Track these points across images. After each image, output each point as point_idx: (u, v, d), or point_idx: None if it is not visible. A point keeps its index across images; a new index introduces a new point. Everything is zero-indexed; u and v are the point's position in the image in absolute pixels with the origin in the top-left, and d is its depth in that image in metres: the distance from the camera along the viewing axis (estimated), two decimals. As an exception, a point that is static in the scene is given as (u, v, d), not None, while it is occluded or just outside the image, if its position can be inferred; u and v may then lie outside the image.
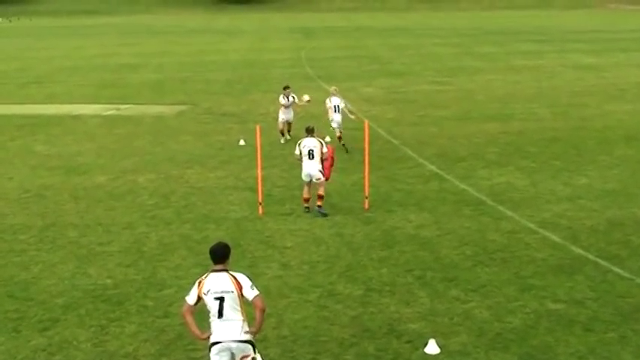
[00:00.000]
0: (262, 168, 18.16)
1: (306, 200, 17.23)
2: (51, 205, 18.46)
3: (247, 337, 8.75)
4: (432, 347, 10.66)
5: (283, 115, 25.45)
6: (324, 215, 16.82)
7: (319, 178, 17.07)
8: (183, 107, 34.38)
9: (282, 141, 25.10)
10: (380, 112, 31.43)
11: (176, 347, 10.99)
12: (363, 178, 18.10)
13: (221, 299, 8.62)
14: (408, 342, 10.98)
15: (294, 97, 25.51)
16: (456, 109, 32.05)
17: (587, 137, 25.43)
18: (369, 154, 18.20)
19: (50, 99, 37.88)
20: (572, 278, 13.24)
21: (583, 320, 11.60)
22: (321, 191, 17.11)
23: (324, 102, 25.07)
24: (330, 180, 17.67)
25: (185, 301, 8.90)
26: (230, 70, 49.51)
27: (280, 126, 25.46)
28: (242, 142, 25.18)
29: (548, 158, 22.38)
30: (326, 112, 24.90)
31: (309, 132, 17.52)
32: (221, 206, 18.11)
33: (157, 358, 10.74)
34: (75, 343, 11.21)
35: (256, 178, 18.10)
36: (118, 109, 34.40)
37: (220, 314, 8.66)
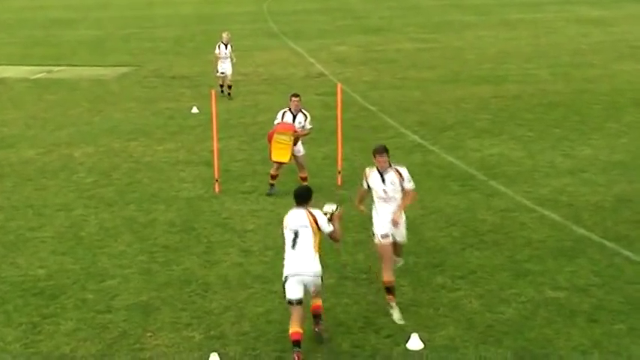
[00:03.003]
0: (218, 139, 18.11)
1: (273, 177, 17.24)
2: (-28, 184, 18.30)
3: (319, 271, 10.75)
4: (415, 342, 10.73)
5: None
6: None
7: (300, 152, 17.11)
8: (126, 69, 34.11)
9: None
10: (355, 74, 31.43)
11: (120, 347, 10.97)
12: (336, 150, 18.11)
13: (296, 233, 10.70)
14: (388, 337, 11.05)
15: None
16: (443, 70, 32.14)
17: (591, 102, 25.65)
18: (343, 123, 18.20)
19: (-31, 60, 37.39)
20: (574, 262, 13.39)
21: (587, 310, 11.74)
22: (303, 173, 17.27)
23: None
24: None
25: None
26: (181, 26, 49.14)
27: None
28: (195, 110, 25.08)
29: (547, 126, 22.56)
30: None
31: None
32: (171, 184, 18.05)
33: (98, 359, 10.71)
34: (1, 343, 11.12)
35: (212, 152, 18.07)
36: (50, 72, 34.05)
37: (294, 246, 10.69)
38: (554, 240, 14.36)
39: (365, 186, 11.98)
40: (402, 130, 22.44)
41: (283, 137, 16.56)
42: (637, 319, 11.41)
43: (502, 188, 17.21)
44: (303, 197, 10.96)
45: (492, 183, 17.58)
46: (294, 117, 17.04)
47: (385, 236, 11.69)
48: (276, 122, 17.06)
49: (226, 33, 27.86)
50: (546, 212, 15.73)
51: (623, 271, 12.99)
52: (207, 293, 12.48)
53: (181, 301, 12.23)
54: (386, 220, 11.70)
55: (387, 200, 11.71)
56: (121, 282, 12.94)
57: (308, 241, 10.68)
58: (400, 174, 11.75)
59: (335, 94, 18.69)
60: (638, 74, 30.31)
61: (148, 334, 11.26)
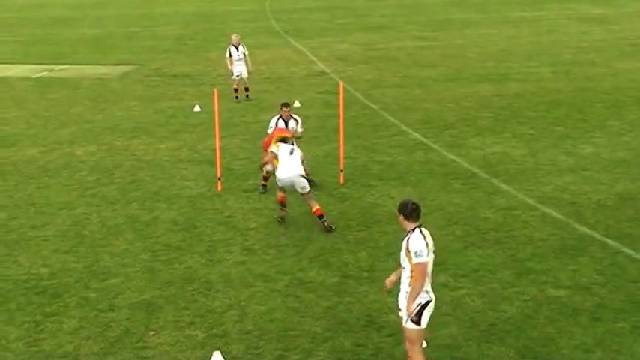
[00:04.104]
0: (221, 138, 18.11)
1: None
2: (-26, 183, 18.31)
3: (302, 172, 14.94)
4: (418, 341, 10.74)
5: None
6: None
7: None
8: (127, 68, 34.12)
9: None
10: (356, 73, 31.42)
11: (123, 345, 10.98)
12: (338, 148, 18.12)
13: (292, 150, 15.24)
14: (390, 335, 11.05)
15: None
16: (444, 68, 32.13)
17: (593, 100, 25.63)
18: (344, 121, 18.21)
19: (-29, 59, 37.42)
20: (577, 261, 13.39)
21: (589, 308, 11.74)
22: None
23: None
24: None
25: (270, 151, 15.37)
26: (182, 25, 49.15)
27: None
28: (197, 108, 25.08)
29: (548, 124, 22.55)
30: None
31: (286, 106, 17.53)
32: (173, 182, 18.06)
33: (101, 357, 10.72)
34: (4, 342, 11.14)
35: (214, 150, 18.07)
36: (52, 70, 34.05)
37: (291, 153, 15.12)
38: (557, 238, 14.36)
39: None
40: (404, 128, 22.45)
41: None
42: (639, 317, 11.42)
43: (504, 186, 17.22)
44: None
45: (494, 181, 17.59)
46: (286, 124, 17.35)
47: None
48: (270, 131, 17.11)
49: (235, 35, 27.11)
50: (548, 210, 15.74)
51: (625, 270, 13.00)
52: (209, 292, 12.49)
53: (184, 300, 12.24)
54: (401, 295, 9.49)
55: (402, 268, 9.47)
56: (123, 280, 12.96)
57: (298, 154, 15.20)
58: (408, 241, 9.30)
59: (337, 92, 18.71)
60: (640, 72, 30.32)
61: (151, 333, 11.27)
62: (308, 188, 14.92)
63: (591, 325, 11.20)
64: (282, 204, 15.26)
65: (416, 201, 9.42)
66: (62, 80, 31.56)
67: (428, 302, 9.34)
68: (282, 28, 46.04)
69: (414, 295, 9.27)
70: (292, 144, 15.68)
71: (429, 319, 9.45)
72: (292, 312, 11.81)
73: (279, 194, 15.26)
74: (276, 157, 15.23)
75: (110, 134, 22.51)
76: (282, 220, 15.27)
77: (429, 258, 9.31)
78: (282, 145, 15.36)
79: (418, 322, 9.32)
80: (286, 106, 17.49)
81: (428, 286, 9.36)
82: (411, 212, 9.30)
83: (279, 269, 13.28)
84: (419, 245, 9.20)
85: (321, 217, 14.80)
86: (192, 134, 22.30)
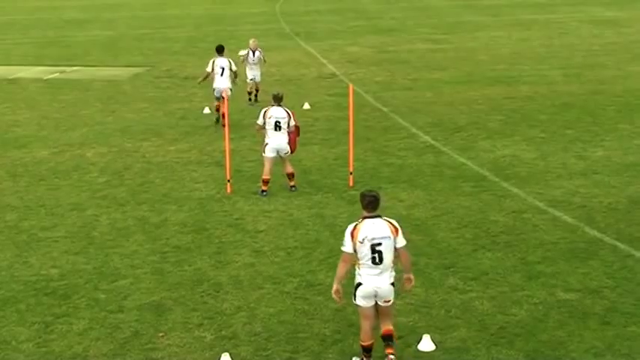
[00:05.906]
0: (231, 140, 18.14)
1: (267, 182, 17.15)
2: (-15, 184, 18.37)
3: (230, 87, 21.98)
4: (427, 343, 10.72)
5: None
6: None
7: (287, 152, 17.10)
8: (138, 70, 34.19)
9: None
10: (367, 75, 31.41)
11: (132, 346, 11.00)
12: (348, 151, 18.11)
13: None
14: (399, 338, 11.02)
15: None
16: (455, 71, 32.09)
17: (604, 103, 25.55)
18: (354, 124, 18.19)
19: (-17, 60, 37.54)
20: (587, 264, 13.35)
21: (599, 312, 11.70)
22: (290, 168, 17.30)
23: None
24: (295, 153, 17.54)
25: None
26: (193, 27, 49.24)
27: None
28: (207, 110, 25.11)
29: (559, 127, 22.50)
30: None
31: (278, 100, 17.15)
32: (183, 184, 18.09)
33: (110, 358, 10.74)
34: (14, 343, 11.17)
35: (224, 152, 18.08)
36: (63, 72, 34.15)
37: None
38: (567, 242, 14.32)
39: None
40: (414, 130, 22.42)
41: None
42: (650, 321, 11.38)
43: (514, 189, 17.18)
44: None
45: (504, 184, 17.55)
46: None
47: None
48: (259, 121, 17.13)
49: (253, 40, 27.12)
50: (559, 214, 15.70)
51: (636, 273, 12.95)
52: (218, 293, 12.50)
53: (193, 302, 12.25)
54: None
55: None
56: (132, 282, 12.98)
57: (227, 73, 22.92)
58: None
59: (347, 94, 18.69)
60: (652, 75, 30.20)
61: (160, 334, 11.28)
62: (228, 94, 21.41)
63: (601, 329, 11.16)
64: (217, 108, 22.57)
65: (375, 193, 10.07)
66: (73, 82, 31.66)
67: (358, 285, 10.12)
68: (293, 30, 46.07)
69: (336, 276, 10.28)
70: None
71: (363, 305, 10.09)
72: (301, 314, 11.81)
73: (216, 104, 22.98)
74: (212, 70, 22.45)
75: (120, 136, 22.56)
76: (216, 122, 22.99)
77: (353, 249, 9.95)
78: (217, 60, 22.68)
79: (354, 299, 10.22)
80: (276, 100, 17.13)
81: (363, 271, 10.09)
82: (367, 204, 9.97)
83: (289, 271, 13.28)
84: (345, 235, 9.99)
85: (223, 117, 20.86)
86: (203, 136, 22.34)
